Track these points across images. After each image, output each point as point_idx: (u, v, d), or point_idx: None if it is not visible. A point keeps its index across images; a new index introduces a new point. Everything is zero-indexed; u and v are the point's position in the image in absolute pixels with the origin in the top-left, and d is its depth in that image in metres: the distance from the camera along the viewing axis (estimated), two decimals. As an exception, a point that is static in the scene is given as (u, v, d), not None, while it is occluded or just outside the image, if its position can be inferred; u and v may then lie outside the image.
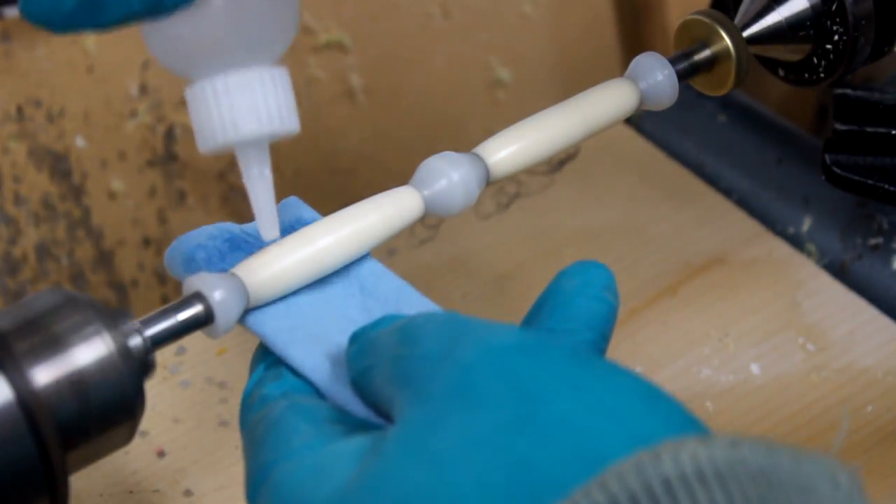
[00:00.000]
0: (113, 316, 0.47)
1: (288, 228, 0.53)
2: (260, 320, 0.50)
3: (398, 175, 0.58)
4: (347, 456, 0.43)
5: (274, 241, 0.52)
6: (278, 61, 0.50)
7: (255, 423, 0.47)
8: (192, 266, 0.52)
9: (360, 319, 0.50)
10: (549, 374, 0.41)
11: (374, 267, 0.53)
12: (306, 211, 0.54)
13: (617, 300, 0.48)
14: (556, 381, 0.41)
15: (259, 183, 0.51)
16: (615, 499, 0.37)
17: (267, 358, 0.50)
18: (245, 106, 0.49)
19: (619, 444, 0.39)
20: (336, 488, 0.42)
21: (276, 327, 0.50)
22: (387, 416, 0.45)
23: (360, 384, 0.46)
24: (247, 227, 0.54)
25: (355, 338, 0.48)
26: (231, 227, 0.53)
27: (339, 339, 0.49)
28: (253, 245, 0.53)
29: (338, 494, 0.42)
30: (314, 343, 0.49)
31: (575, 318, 0.47)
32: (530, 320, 0.48)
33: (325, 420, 0.46)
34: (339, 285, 0.52)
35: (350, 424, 0.46)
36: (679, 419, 0.40)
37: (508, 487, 0.38)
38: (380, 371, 0.45)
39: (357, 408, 0.47)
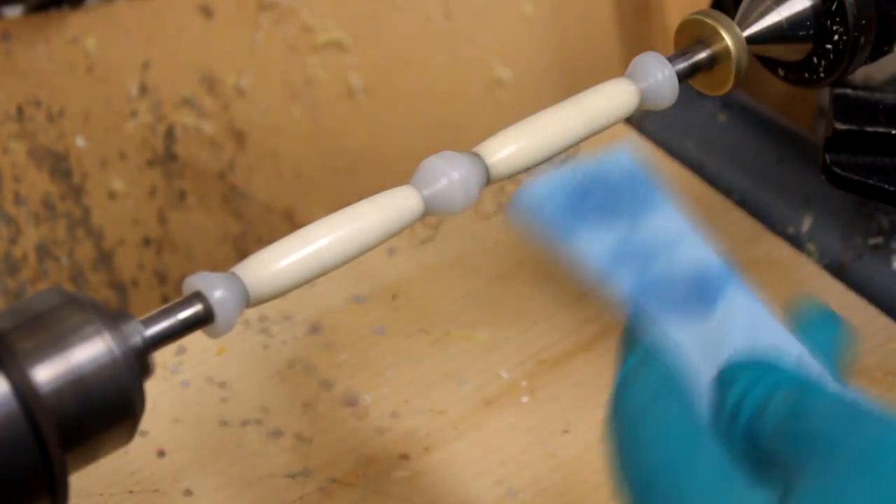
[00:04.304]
0: (113, 316, 0.47)
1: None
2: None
3: (398, 175, 0.58)
4: None
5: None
6: None
7: (640, 417, 0.45)
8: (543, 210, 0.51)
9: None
10: None
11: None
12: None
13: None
14: None
15: None
16: None
17: (637, 341, 0.49)
18: None
19: None
20: None
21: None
22: (768, 464, 0.45)
23: (746, 429, 0.46)
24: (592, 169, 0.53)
25: (727, 382, 0.47)
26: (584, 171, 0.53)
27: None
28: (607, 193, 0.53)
29: None
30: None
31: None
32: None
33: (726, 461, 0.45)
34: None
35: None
36: None
37: None
38: (772, 430, 0.45)
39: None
